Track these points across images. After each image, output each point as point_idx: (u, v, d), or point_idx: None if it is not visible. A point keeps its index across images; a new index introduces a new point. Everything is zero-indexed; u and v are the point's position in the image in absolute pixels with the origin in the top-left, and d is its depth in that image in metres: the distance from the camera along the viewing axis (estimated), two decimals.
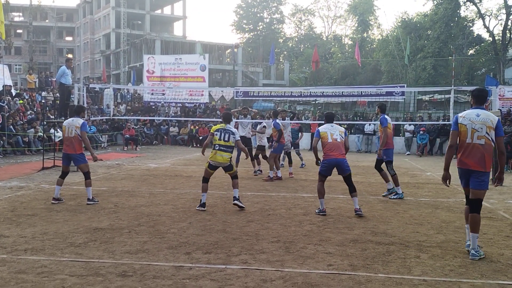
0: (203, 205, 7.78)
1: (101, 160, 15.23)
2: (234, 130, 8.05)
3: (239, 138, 8.09)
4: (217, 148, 7.76)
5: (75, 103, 14.72)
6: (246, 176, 12.31)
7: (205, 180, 7.89)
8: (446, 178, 5.50)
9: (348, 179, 7.59)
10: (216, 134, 7.85)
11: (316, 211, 7.67)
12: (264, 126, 13.09)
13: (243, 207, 7.82)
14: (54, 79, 26.26)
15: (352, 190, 7.57)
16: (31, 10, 48.18)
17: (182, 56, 32.70)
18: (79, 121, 8.30)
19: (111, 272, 4.62)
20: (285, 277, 4.55)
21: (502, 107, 19.89)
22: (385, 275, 4.65)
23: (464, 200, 5.57)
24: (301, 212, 7.68)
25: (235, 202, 7.87)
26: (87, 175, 8.25)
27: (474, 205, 5.31)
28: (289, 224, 6.80)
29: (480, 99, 5.47)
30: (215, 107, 28.18)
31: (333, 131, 7.67)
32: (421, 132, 21.29)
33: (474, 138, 5.27)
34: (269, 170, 11.78)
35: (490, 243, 5.91)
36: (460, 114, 5.46)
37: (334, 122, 8.00)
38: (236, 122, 13.24)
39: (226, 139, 7.82)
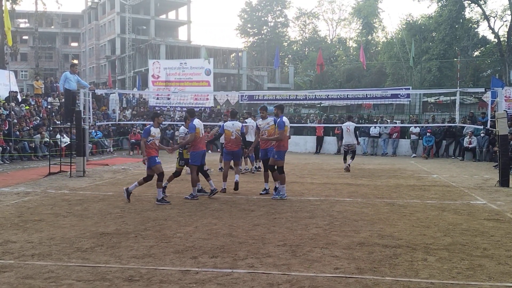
0: None
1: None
2: None
3: None
4: None
5: (81, 108, 14.80)
6: (252, 180, 12.31)
7: None
8: None
9: (237, 165, 10.47)
10: None
11: (221, 189, 9.64)
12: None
13: None
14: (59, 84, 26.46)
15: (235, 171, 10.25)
16: (36, 16, 48.50)
17: (187, 60, 32.74)
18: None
19: (118, 276, 4.62)
20: (292, 280, 4.54)
21: (508, 109, 19.79)
22: (392, 278, 4.63)
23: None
24: (307, 216, 7.66)
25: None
26: None
27: None
28: (295, 227, 6.78)
29: None
30: (220, 111, 28.21)
31: (233, 130, 9.83)
32: (427, 134, 21.21)
33: None
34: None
35: (498, 245, 5.88)
36: None
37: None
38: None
39: None
